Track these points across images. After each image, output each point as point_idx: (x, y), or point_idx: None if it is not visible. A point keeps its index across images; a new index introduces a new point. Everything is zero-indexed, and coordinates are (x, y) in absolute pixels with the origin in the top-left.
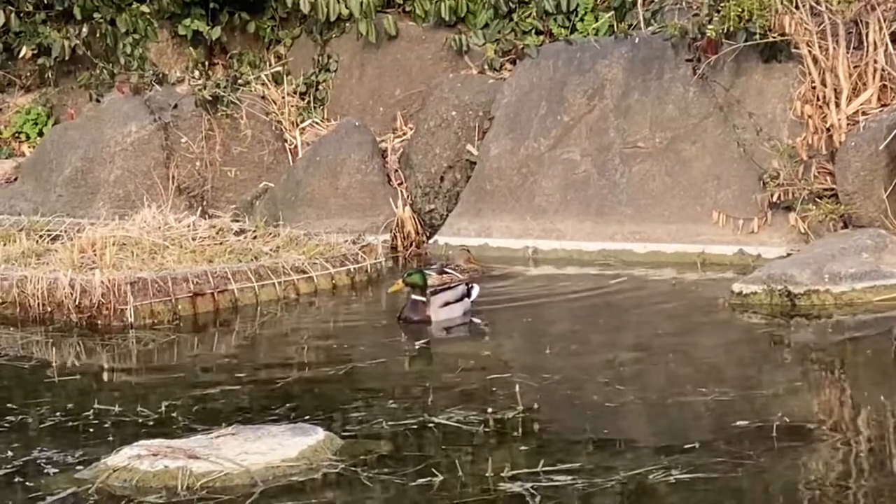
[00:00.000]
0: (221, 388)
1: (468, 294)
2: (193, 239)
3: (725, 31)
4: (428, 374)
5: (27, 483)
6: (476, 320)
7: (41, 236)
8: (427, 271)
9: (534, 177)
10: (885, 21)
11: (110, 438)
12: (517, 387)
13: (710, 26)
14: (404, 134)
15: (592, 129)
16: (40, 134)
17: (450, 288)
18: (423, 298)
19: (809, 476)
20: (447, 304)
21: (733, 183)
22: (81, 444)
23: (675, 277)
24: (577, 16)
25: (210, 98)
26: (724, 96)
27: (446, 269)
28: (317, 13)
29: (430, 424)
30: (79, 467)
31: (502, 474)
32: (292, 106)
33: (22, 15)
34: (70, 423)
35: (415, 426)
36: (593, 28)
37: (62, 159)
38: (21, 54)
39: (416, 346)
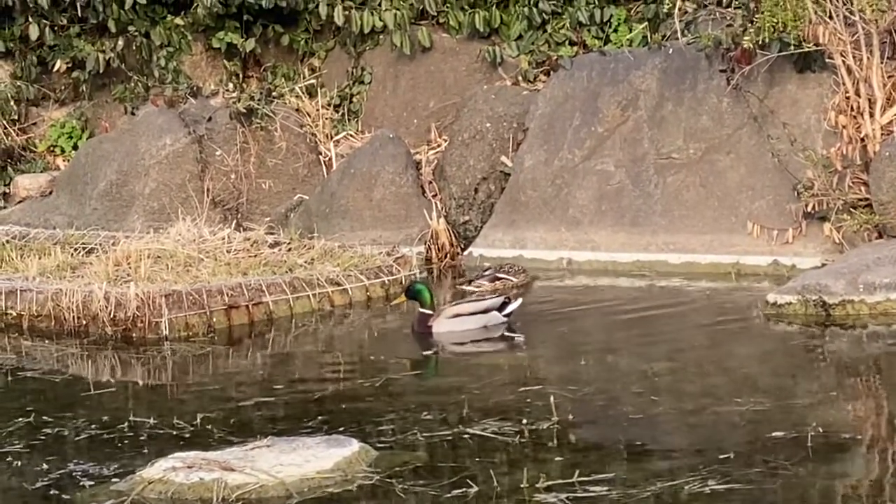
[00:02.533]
0: (256, 400)
1: (502, 307)
2: (228, 251)
3: (760, 41)
4: (463, 385)
5: (63, 496)
6: (509, 333)
7: (76, 249)
8: (481, 280)
9: (568, 188)
10: None
11: (146, 451)
12: (552, 398)
13: (745, 37)
14: (438, 146)
15: (626, 139)
16: (75, 147)
17: (476, 300)
18: (429, 311)
19: (845, 487)
20: (458, 315)
21: (768, 193)
22: (117, 456)
23: (709, 288)
24: (610, 27)
25: (244, 111)
26: (758, 107)
27: (499, 275)
28: (351, 25)
29: (465, 435)
30: (114, 480)
31: (537, 485)
32: (326, 118)
33: (56, 28)
34: (105, 436)
35: (450, 437)
36: (627, 39)
37: (97, 172)
38: (55, 68)
39: (451, 358)
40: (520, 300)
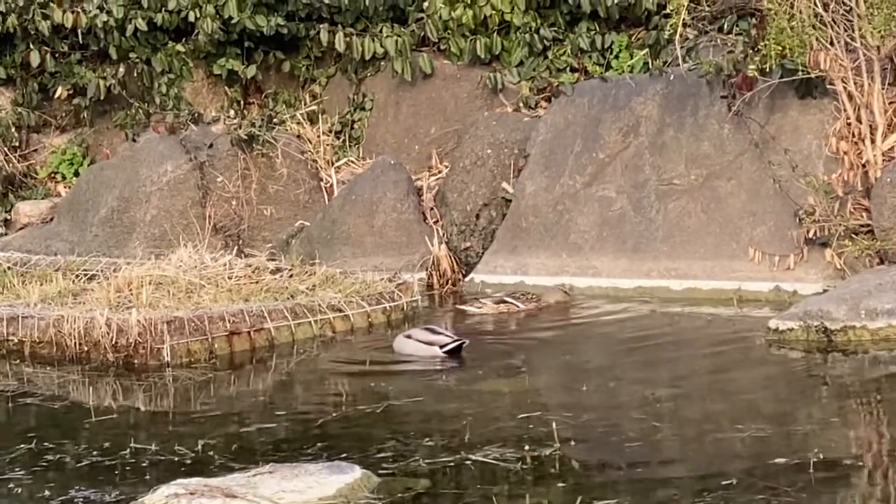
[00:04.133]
0: (258, 426)
1: (444, 346)
2: (230, 278)
3: (767, 68)
4: (464, 411)
5: None
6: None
7: (77, 276)
8: (486, 300)
9: (569, 214)
10: None
11: (147, 477)
12: (554, 424)
13: (749, 64)
14: (440, 172)
15: (628, 166)
16: (76, 174)
17: (435, 332)
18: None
19: None
20: (409, 337)
21: (769, 219)
22: (119, 483)
23: (711, 314)
24: (611, 53)
25: (245, 137)
26: (759, 133)
27: (506, 299)
28: (352, 52)
29: (468, 462)
30: None
31: None
32: (328, 145)
33: (57, 55)
34: (107, 462)
35: (452, 464)
36: (628, 65)
37: (98, 199)
38: (57, 95)
39: (452, 384)
40: (465, 341)
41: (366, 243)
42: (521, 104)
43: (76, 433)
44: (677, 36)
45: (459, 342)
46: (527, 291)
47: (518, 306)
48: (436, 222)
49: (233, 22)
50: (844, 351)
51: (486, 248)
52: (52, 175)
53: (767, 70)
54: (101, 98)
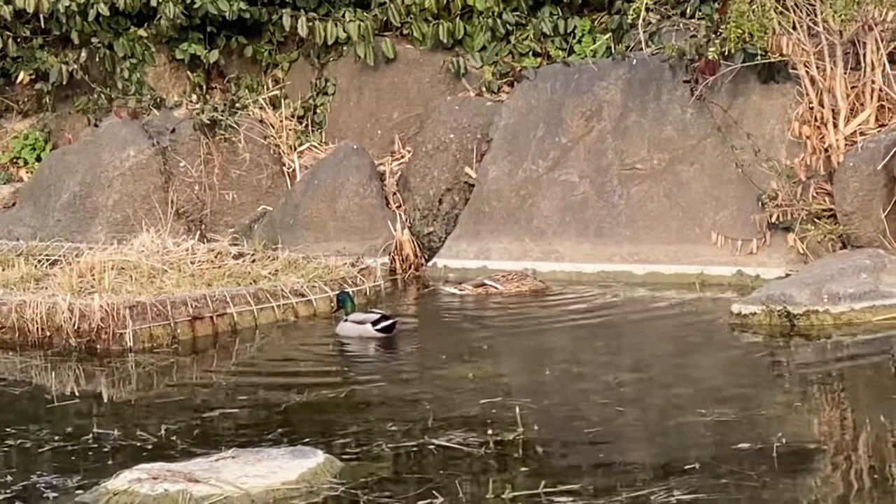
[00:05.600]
0: (221, 411)
1: (376, 323)
2: (192, 263)
3: (726, 52)
4: (428, 396)
5: None
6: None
7: (40, 261)
8: (465, 283)
9: (532, 199)
10: (882, 41)
11: (110, 462)
12: (517, 409)
13: (710, 48)
14: (402, 157)
15: (590, 150)
16: (38, 159)
17: (367, 312)
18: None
19: (810, 496)
20: (346, 321)
21: (732, 204)
22: (81, 468)
23: (673, 298)
24: (574, 38)
25: (208, 122)
26: (722, 117)
27: (486, 282)
28: (314, 37)
29: (431, 446)
30: (79, 492)
31: (503, 496)
32: (290, 129)
33: (19, 40)
34: (69, 447)
35: (415, 448)
36: (591, 50)
37: (60, 184)
38: (18, 80)
39: (415, 369)
40: (396, 319)
41: (328, 228)
42: (483, 89)
43: (38, 418)
44: (640, 20)
45: (391, 321)
46: (510, 271)
47: (497, 288)
48: (398, 207)
49: (195, 6)
50: (807, 335)
51: (448, 233)
52: (14, 160)
53: (728, 54)
54: (64, 83)
